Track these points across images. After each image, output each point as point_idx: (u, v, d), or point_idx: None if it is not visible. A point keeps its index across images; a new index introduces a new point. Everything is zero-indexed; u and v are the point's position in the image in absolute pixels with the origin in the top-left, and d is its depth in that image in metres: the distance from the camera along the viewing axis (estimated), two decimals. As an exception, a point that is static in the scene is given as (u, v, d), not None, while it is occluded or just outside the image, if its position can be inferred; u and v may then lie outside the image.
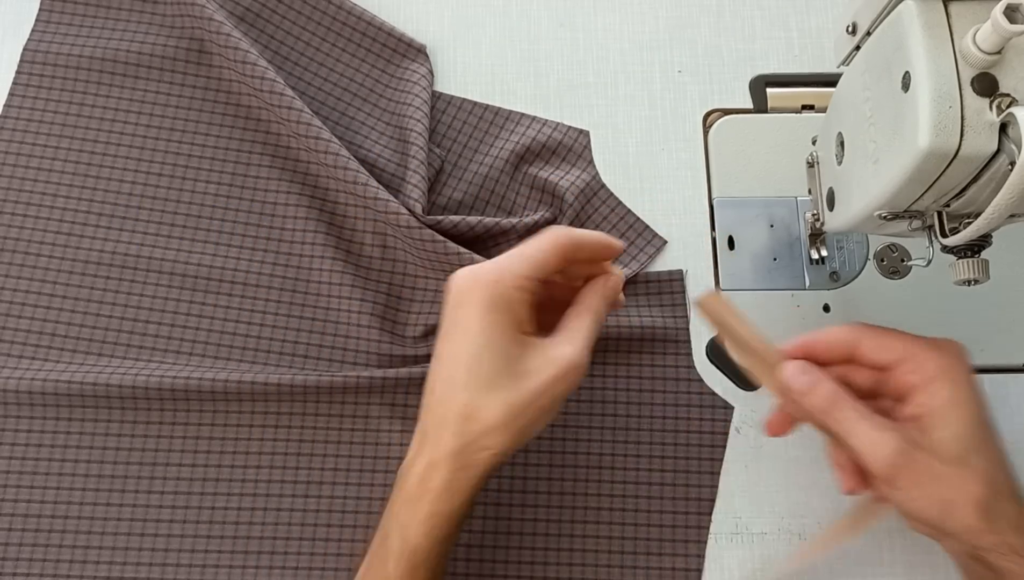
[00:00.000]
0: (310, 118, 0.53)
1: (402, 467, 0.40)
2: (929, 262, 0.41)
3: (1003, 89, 0.34)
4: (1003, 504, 0.39)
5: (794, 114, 0.57)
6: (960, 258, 0.39)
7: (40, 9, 0.58)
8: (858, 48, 0.42)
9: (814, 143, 0.49)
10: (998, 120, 0.33)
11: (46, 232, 0.54)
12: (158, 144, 0.56)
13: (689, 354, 0.52)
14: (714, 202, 0.56)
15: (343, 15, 0.58)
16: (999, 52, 0.33)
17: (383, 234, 0.54)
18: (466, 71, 0.59)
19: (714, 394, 0.51)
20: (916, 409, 0.40)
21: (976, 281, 0.39)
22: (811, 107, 0.57)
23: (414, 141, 0.54)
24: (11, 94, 0.56)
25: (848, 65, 0.43)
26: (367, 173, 0.53)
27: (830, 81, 0.53)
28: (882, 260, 0.54)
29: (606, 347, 0.52)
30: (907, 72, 0.35)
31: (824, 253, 0.53)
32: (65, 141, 0.56)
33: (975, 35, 0.33)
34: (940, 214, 0.38)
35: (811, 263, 0.54)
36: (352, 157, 0.53)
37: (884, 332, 0.41)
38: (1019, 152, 0.32)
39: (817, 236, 0.53)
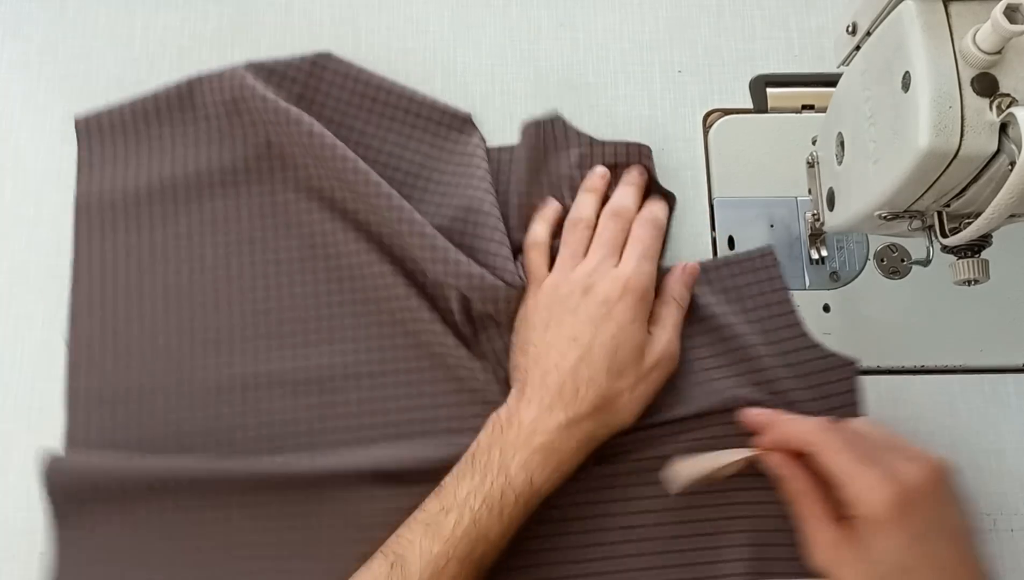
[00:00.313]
0: (400, 201, 0.51)
1: (514, 414, 0.46)
2: (929, 262, 0.41)
3: (1003, 89, 0.34)
4: None
5: (794, 114, 0.57)
6: (960, 258, 0.39)
7: (79, 152, 0.55)
8: (858, 48, 0.42)
9: (814, 143, 0.49)
10: (998, 120, 0.33)
11: (154, 375, 0.51)
12: (242, 257, 0.53)
13: (799, 323, 0.51)
14: (714, 202, 0.56)
15: (383, 95, 0.56)
16: (999, 52, 0.33)
17: (487, 311, 0.52)
18: (466, 71, 0.59)
19: (833, 354, 0.50)
20: (852, 531, 0.41)
21: (976, 281, 0.39)
22: (811, 107, 0.57)
23: (489, 211, 0.52)
24: (77, 245, 0.54)
25: (848, 65, 0.43)
26: (456, 248, 0.50)
27: (830, 81, 0.53)
28: (882, 260, 0.54)
29: (722, 337, 0.51)
30: (907, 72, 0.35)
31: (824, 253, 0.53)
32: (147, 278, 0.53)
33: (975, 35, 0.33)
34: (940, 214, 0.38)
35: (811, 263, 0.54)
36: (438, 234, 0.51)
37: (840, 456, 0.41)
38: (1019, 152, 0.32)
39: (817, 236, 0.53)
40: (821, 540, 0.43)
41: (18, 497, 0.50)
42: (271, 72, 0.55)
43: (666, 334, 0.49)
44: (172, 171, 0.54)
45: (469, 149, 0.55)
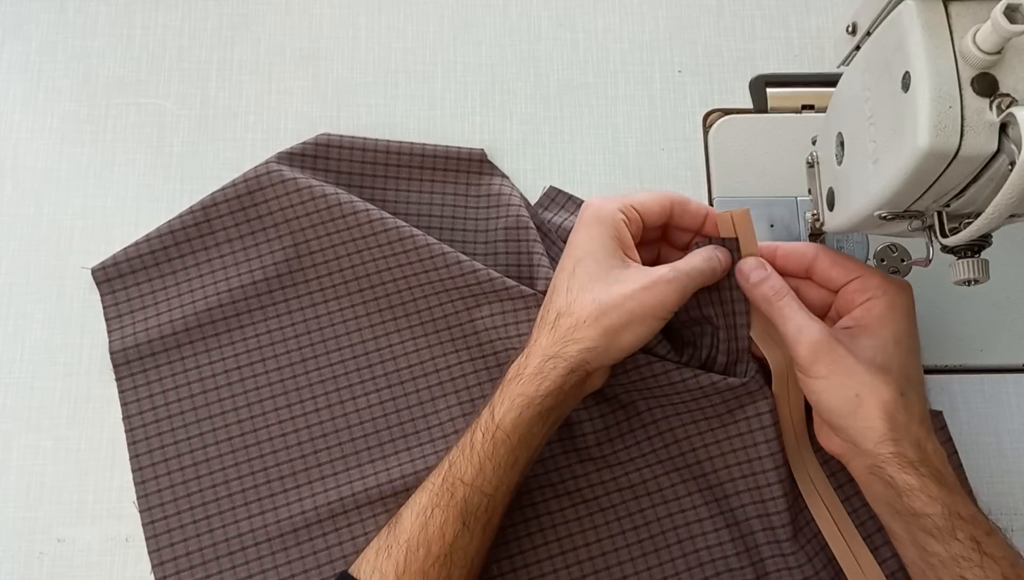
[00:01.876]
0: (457, 255, 0.50)
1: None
2: (929, 262, 0.41)
3: (1003, 89, 0.34)
4: (908, 420, 0.42)
5: (794, 114, 0.57)
6: (960, 258, 0.39)
7: (103, 304, 0.53)
8: (858, 48, 0.42)
9: (814, 143, 0.49)
10: (998, 120, 0.33)
11: (239, 524, 0.49)
12: (297, 379, 0.51)
13: None
14: (714, 202, 0.56)
15: (393, 157, 0.55)
16: (999, 52, 0.33)
17: None
18: (466, 71, 0.59)
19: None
20: (850, 321, 0.45)
21: (976, 281, 0.39)
22: (811, 107, 0.57)
23: (535, 250, 0.51)
24: (125, 404, 0.51)
25: (848, 65, 0.43)
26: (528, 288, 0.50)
27: (830, 81, 0.53)
28: (882, 260, 0.54)
29: None
30: (907, 72, 0.35)
31: (824, 253, 0.53)
32: (205, 423, 0.50)
33: (975, 35, 0.33)
34: (940, 214, 0.38)
35: (811, 263, 0.54)
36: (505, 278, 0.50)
37: (841, 254, 0.46)
38: (1019, 152, 0.32)
39: (817, 236, 0.53)
40: (810, 329, 0.43)
41: (18, 497, 0.50)
42: (279, 159, 0.54)
43: (670, 269, 0.44)
44: (205, 303, 0.52)
45: (495, 187, 0.55)
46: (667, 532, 0.49)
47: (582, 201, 0.55)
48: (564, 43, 0.59)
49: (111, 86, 0.58)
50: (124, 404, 0.51)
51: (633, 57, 0.59)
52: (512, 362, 0.45)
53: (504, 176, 0.55)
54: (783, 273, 0.47)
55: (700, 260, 0.45)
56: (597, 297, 0.43)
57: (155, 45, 0.59)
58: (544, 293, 0.49)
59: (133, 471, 0.50)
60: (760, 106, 0.57)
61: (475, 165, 0.56)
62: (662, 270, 0.44)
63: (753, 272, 0.46)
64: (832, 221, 0.46)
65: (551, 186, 0.56)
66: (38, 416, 0.52)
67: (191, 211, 0.54)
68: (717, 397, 0.48)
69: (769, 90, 0.57)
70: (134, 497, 0.50)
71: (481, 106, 0.58)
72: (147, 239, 0.53)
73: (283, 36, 0.59)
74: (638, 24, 0.60)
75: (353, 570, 0.43)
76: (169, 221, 0.54)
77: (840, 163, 0.44)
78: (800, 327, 0.44)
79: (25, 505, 0.50)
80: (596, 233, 0.45)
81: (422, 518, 0.42)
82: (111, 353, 0.52)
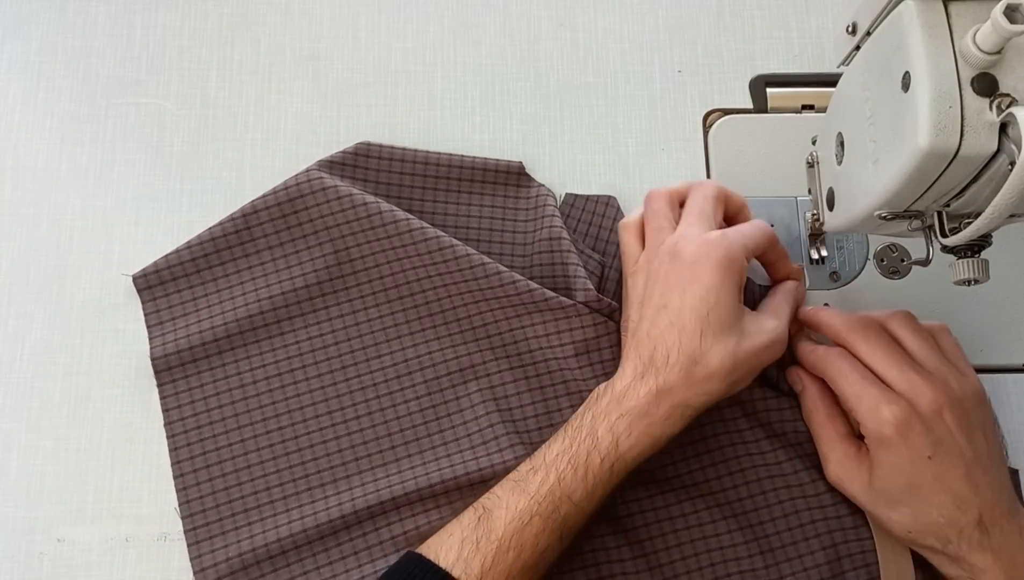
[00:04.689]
0: (496, 265, 0.50)
1: (610, 385, 0.46)
2: (929, 262, 0.41)
3: (1003, 89, 0.34)
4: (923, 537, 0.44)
5: (794, 114, 0.57)
6: (960, 258, 0.39)
7: (145, 312, 0.53)
8: (858, 48, 0.42)
9: (814, 143, 0.49)
10: (998, 120, 0.33)
11: (279, 529, 0.48)
12: (338, 386, 0.51)
13: None
14: (714, 202, 0.56)
15: (432, 169, 0.55)
16: (999, 52, 0.33)
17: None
18: (466, 71, 0.59)
19: None
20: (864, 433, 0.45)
21: (976, 281, 0.39)
22: (811, 107, 0.57)
23: (571, 261, 0.51)
24: (167, 410, 0.51)
25: (848, 65, 0.43)
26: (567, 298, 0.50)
27: (830, 81, 0.53)
28: (882, 260, 0.54)
29: None
30: (907, 72, 0.35)
31: (824, 253, 0.53)
32: (247, 430, 0.50)
33: (975, 35, 0.33)
34: (940, 214, 0.38)
35: (811, 263, 0.54)
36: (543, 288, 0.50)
37: (847, 377, 0.45)
38: (1019, 152, 0.32)
39: (817, 236, 0.53)
40: (832, 457, 0.46)
41: (18, 497, 0.50)
42: (319, 167, 0.54)
43: (777, 320, 0.46)
44: (246, 310, 0.52)
45: (532, 200, 0.54)
46: (700, 555, 0.48)
47: (599, 198, 0.55)
48: (564, 43, 0.59)
49: (111, 86, 0.58)
50: (165, 410, 0.51)
51: (633, 57, 0.59)
52: (625, 390, 0.45)
53: (541, 185, 0.55)
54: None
55: (793, 306, 0.49)
56: (733, 352, 0.44)
57: (155, 45, 0.59)
58: (584, 304, 0.49)
59: (175, 477, 0.50)
60: (760, 106, 0.57)
61: (513, 178, 0.55)
62: (776, 325, 0.46)
63: (793, 382, 0.50)
64: (832, 221, 0.46)
65: (567, 193, 0.56)
66: (38, 416, 0.52)
67: (231, 218, 0.54)
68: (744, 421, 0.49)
69: (769, 90, 0.57)
70: (175, 503, 0.50)
71: (481, 106, 0.58)
72: (188, 246, 0.53)
73: (283, 36, 0.59)
74: (638, 24, 0.60)
75: (432, 556, 0.43)
76: (210, 228, 0.54)
77: (840, 163, 0.44)
78: (823, 454, 0.47)
79: (25, 505, 0.50)
80: (728, 281, 0.44)
81: (518, 523, 0.42)
82: (152, 359, 0.52)
